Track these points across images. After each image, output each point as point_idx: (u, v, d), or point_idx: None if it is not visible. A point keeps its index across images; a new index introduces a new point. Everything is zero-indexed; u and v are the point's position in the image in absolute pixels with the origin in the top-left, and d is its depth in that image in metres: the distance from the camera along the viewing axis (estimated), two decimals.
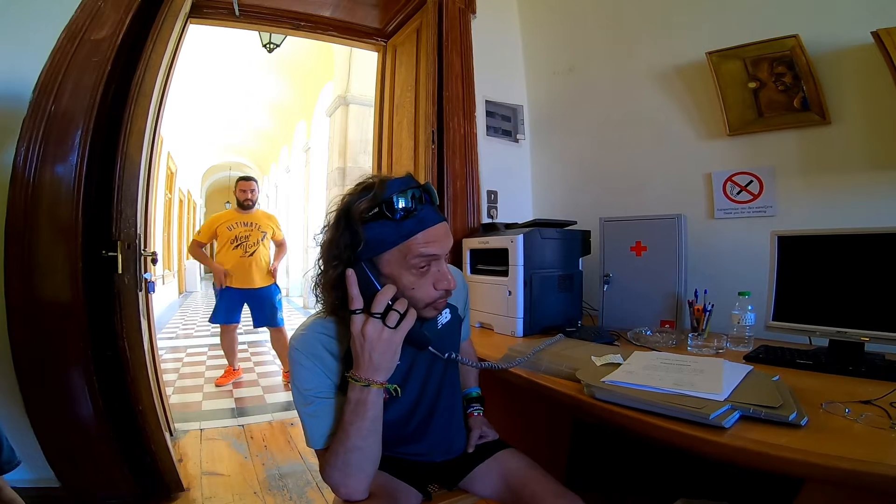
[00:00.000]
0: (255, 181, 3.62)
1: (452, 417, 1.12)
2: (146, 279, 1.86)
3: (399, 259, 0.84)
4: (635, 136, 2.06)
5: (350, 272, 0.84)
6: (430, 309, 0.90)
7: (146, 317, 1.99)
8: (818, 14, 1.53)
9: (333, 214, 0.88)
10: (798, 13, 1.56)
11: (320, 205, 8.20)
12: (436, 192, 0.89)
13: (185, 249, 11.18)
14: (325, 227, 0.89)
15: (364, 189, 0.86)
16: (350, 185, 0.92)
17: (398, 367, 0.97)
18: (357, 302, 0.83)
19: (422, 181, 0.88)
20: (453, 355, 0.97)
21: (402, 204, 0.81)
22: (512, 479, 1.03)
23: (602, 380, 0.97)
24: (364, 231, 0.83)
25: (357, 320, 0.83)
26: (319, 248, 0.90)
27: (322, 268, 0.89)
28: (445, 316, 1.08)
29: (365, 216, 0.83)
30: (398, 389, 0.90)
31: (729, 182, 1.73)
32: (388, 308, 0.83)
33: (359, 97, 6.38)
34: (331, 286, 0.87)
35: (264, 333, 3.57)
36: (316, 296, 0.92)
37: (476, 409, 1.21)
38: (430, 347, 0.92)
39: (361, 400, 0.83)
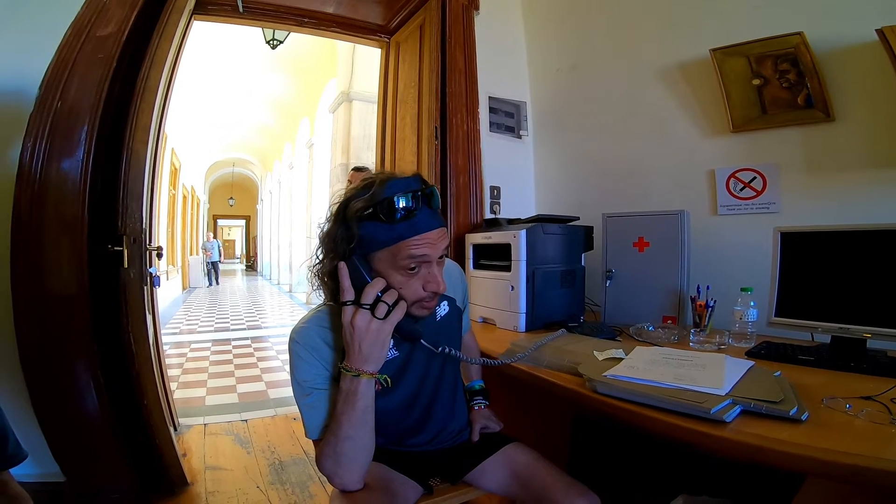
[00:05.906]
0: (369, 170, 3.46)
1: (454, 408, 1.13)
2: (151, 273, 1.87)
3: (389, 259, 0.86)
4: (638, 133, 2.05)
5: (342, 265, 0.86)
6: (418, 308, 0.91)
7: (151, 311, 2.00)
8: (823, 11, 1.52)
9: (334, 207, 0.90)
10: (802, 10, 1.55)
11: (323, 201, 8.24)
12: (438, 196, 0.90)
13: (188, 245, 11.20)
14: (326, 218, 0.91)
15: (365, 187, 0.87)
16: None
17: (395, 358, 0.98)
18: (348, 294, 0.85)
19: (425, 177, 0.89)
20: (447, 349, 0.97)
21: (399, 205, 0.83)
22: (521, 473, 1.04)
23: (604, 374, 0.98)
24: (358, 228, 0.85)
25: (347, 311, 0.85)
26: (319, 238, 0.92)
27: (320, 258, 0.92)
28: (444, 308, 1.10)
29: (359, 215, 0.84)
30: (388, 380, 0.92)
31: (732, 178, 1.72)
32: (378, 300, 0.85)
33: (362, 93, 6.39)
34: (327, 276, 0.90)
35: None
36: (312, 284, 0.95)
37: (479, 403, 1.22)
38: (422, 341, 0.93)
39: (352, 390, 0.85)
